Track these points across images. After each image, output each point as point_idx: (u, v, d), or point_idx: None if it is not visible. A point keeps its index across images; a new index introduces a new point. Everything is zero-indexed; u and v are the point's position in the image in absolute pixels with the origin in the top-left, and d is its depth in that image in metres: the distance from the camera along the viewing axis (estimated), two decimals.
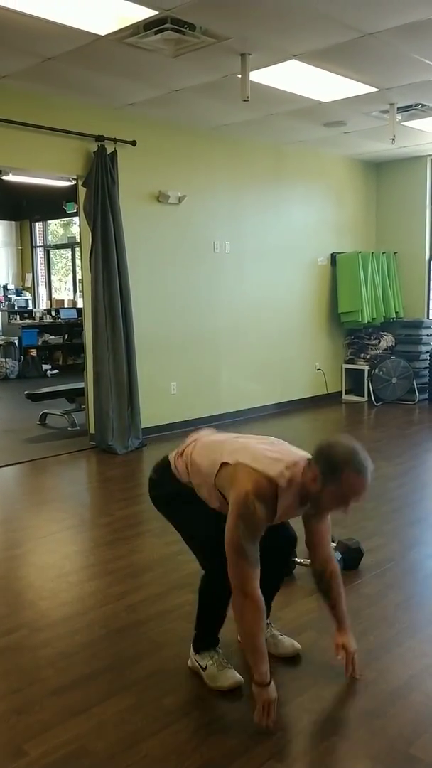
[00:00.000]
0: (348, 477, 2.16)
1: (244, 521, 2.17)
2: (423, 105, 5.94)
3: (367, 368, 8.34)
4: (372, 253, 8.36)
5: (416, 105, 5.93)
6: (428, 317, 8.60)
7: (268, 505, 2.21)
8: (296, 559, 3.42)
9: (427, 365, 8.23)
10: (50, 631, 2.91)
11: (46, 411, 7.43)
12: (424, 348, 8.29)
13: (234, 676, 2.46)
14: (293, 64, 4.78)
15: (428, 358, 8.22)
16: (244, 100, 4.77)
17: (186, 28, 4.09)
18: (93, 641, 2.82)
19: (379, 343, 8.44)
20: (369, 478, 2.19)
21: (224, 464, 2.30)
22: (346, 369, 8.63)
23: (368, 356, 8.40)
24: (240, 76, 4.74)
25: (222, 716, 2.32)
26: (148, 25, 4.07)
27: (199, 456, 2.42)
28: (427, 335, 8.35)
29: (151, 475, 2.64)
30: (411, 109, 6.05)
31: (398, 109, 5.98)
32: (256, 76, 4.93)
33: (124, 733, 2.23)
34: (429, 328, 8.38)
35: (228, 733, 2.23)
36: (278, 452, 2.32)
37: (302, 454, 2.33)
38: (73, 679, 2.55)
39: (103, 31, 4.15)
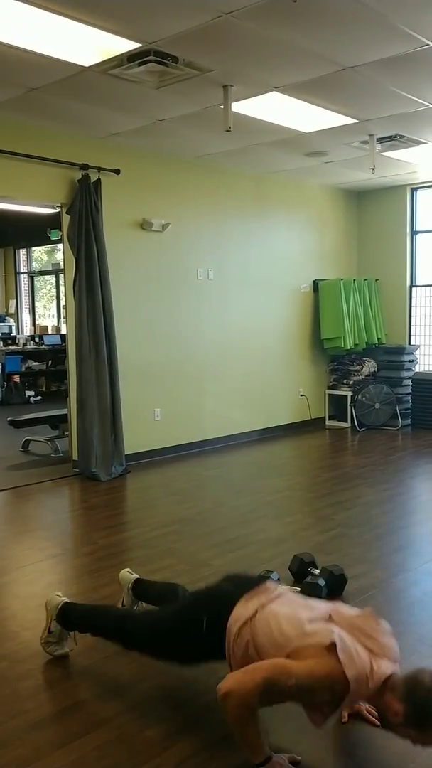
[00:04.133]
0: (428, 734, 1.99)
1: (268, 688, 2.00)
2: (402, 136, 6.06)
3: (350, 394, 8.38)
4: (354, 280, 8.46)
5: (395, 136, 6.06)
6: (410, 343, 8.69)
7: (325, 699, 2.02)
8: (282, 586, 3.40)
9: (410, 391, 8.29)
10: (32, 662, 2.86)
11: (29, 438, 7.38)
12: (406, 374, 8.36)
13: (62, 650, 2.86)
14: (275, 95, 4.87)
15: (410, 383, 8.28)
16: (227, 131, 4.84)
17: (169, 60, 4.16)
18: (75, 672, 2.78)
19: (362, 369, 8.50)
20: None
21: (332, 646, 2.05)
22: (330, 395, 8.68)
23: (351, 382, 8.45)
24: (222, 107, 4.82)
25: (205, 748, 2.28)
26: (131, 57, 4.14)
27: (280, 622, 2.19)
28: (409, 361, 8.43)
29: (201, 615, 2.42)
30: (390, 140, 6.17)
31: (378, 139, 6.10)
32: (239, 107, 5.02)
33: (106, 767, 2.19)
34: (411, 354, 8.46)
35: (210, 766, 2.19)
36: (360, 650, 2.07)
37: (391, 667, 2.10)
38: (54, 712, 2.50)
39: (87, 62, 4.22)
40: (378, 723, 2.35)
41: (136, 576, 3.16)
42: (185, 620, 2.44)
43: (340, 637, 2.07)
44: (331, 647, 2.04)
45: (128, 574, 3.17)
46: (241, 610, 2.29)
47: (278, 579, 3.43)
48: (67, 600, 2.90)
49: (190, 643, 2.42)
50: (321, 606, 2.29)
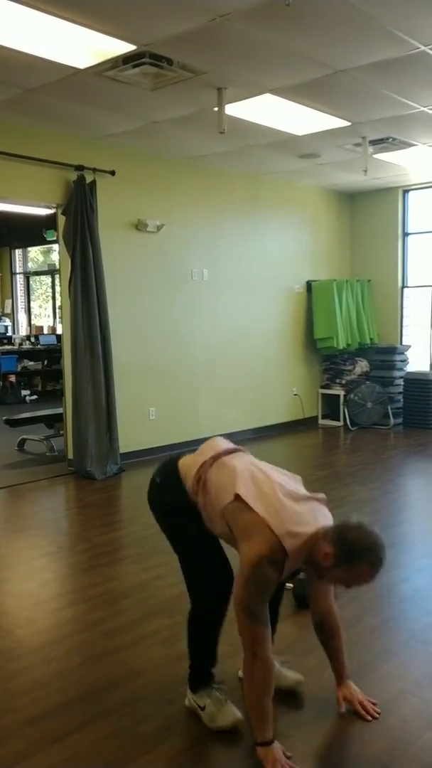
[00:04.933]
0: (361, 568, 2.14)
1: (255, 584, 2.13)
2: (394, 138, 6.11)
3: (342, 393, 8.43)
4: (347, 280, 8.50)
5: (387, 138, 6.10)
6: (401, 343, 8.74)
7: (278, 568, 2.16)
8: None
9: (401, 390, 8.34)
10: (26, 660, 2.89)
11: (24, 437, 7.39)
12: (397, 373, 8.41)
13: (234, 714, 2.36)
14: (268, 98, 4.91)
15: (402, 383, 8.33)
16: (221, 132, 4.88)
17: (163, 62, 4.19)
18: (69, 669, 2.80)
19: (354, 368, 8.55)
20: (380, 571, 2.17)
21: (238, 497, 2.21)
22: (322, 394, 8.72)
23: (344, 381, 8.50)
24: (216, 109, 4.86)
25: (198, 743, 2.32)
26: (126, 60, 4.16)
27: (215, 477, 2.32)
28: (401, 361, 8.48)
29: (154, 476, 2.52)
30: (382, 143, 6.21)
31: (370, 142, 6.14)
32: (232, 109, 5.05)
33: (100, 762, 2.22)
34: (402, 354, 8.51)
35: (205, 761, 2.23)
36: (300, 514, 2.21)
37: (322, 523, 2.24)
38: (48, 708, 2.53)
39: (82, 64, 4.24)
40: (370, 718, 2.40)
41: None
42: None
43: (276, 512, 2.17)
44: (238, 498, 2.20)
45: None
46: (191, 461, 2.42)
47: None
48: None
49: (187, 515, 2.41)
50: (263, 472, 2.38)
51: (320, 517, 2.27)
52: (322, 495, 2.41)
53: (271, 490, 2.25)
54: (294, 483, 2.40)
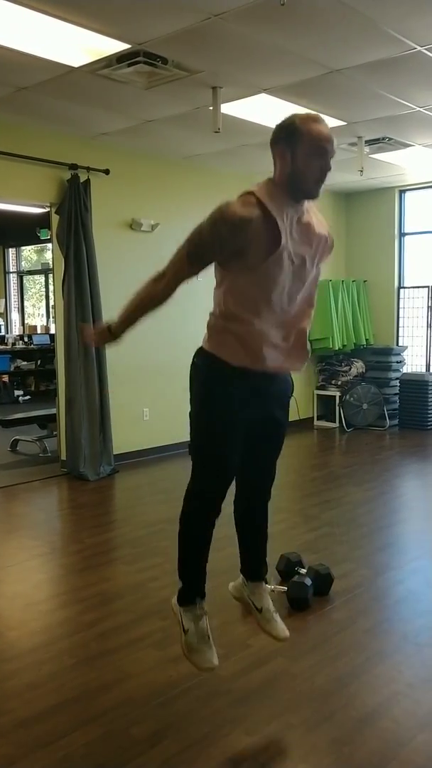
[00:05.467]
0: (305, 126, 2.16)
1: (214, 220, 2.16)
2: (390, 138, 6.10)
3: (338, 394, 8.42)
4: (342, 281, 8.50)
5: (383, 138, 6.09)
6: (397, 344, 8.73)
7: (256, 211, 2.13)
8: (267, 585, 3.43)
9: (397, 392, 8.34)
10: (18, 662, 2.87)
11: (17, 437, 7.36)
12: (393, 374, 8.40)
13: (211, 661, 2.36)
14: (263, 97, 4.90)
15: (398, 384, 8.33)
16: (216, 132, 4.86)
17: (158, 61, 4.18)
18: (61, 671, 2.78)
19: (350, 369, 8.54)
20: (324, 121, 2.20)
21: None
22: (318, 395, 8.71)
23: (339, 383, 8.49)
24: (211, 108, 4.84)
25: (190, 746, 2.30)
26: (121, 58, 4.15)
27: None
28: (397, 362, 8.48)
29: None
30: (378, 143, 6.21)
31: (366, 142, 6.14)
32: (227, 108, 5.04)
33: (92, 765, 2.20)
34: (398, 355, 8.51)
35: (195, 764, 2.21)
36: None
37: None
38: (40, 710, 2.51)
39: (76, 63, 4.22)
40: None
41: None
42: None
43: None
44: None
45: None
46: None
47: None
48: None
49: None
50: None
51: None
52: None
53: None
54: None
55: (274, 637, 2.57)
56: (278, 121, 2.26)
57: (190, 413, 2.41)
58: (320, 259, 2.37)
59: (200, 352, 2.34)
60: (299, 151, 2.16)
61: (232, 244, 2.14)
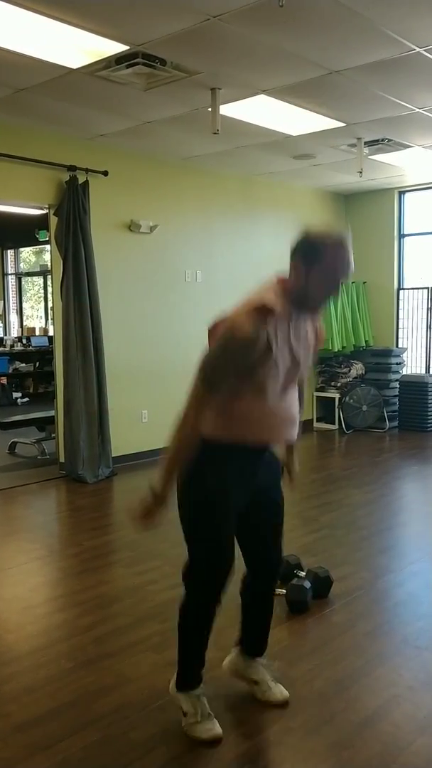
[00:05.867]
0: (329, 249, 2.12)
1: (226, 344, 2.11)
2: (389, 140, 6.09)
3: (337, 396, 8.41)
4: None
5: (382, 139, 6.09)
6: (397, 346, 8.72)
7: (261, 328, 2.10)
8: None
9: (397, 393, 8.33)
10: (16, 665, 2.85)
11: (15, 440, 7.35)
12: (393, 376, 8.39)
13: (213, 729, 2.31)
14: (262, 98, 4.89)
15: (397, 386, 8.32)
16: (214, 133, 4.85)
17: (157, 62, 4.17)
18: (59, 675, 2.77)
19: (350, 371, 8.53)
20: (350, 249, 2.16)
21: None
22: (318, 397, 8.70)
23: (339, 384, 8.48)
24: (210, 109, 4.83)
25: (189, 750, 2.28)
26: (119, 60, 4.14)
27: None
28: (396, 363, 8.47)
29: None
30: (378, 144, 6.20)
31: (365, 143, 6.13)
32: (226, 109, 5.03)
33: None
34: (398, 356, 8.50)
35: None
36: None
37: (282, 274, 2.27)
38: (37, 714, 2.50)
39: (75, 64, 4.21)
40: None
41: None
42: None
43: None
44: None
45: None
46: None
47: None
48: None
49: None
50: None
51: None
52: None
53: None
54: None
55: (274, 704, 2.52)
56: (307, 228, 2.21)
57: (181, 511, 2.35)
58: (315, 350, 2.44)
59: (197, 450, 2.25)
60: (315, 274, 2.16)
61: (246, 361, 2.14)
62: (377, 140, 6.10)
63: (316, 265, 2.14)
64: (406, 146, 6.33)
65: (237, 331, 2.11)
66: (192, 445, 2.19)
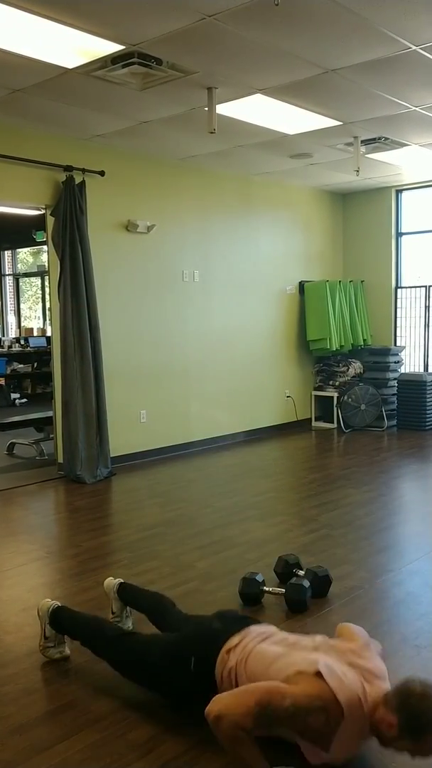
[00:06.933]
0: (430, 741, 1.94)
1: (264, 708, 1.95)
2: (386, 138, 6.09)
3: (336, 395, 8.41)
4: (339, 281, 8.49)
5: (379, 138, 6.09)
6: (395, 344, 8.73)
7: (320, 723, 1.97)
8: (265, 588, 3.41)
9: (395, 392, 8.33)
10: (14, 667, 2.84)
11: (14, 440, 7.34)
12: (391, 375, 8.39)
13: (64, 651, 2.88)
14: (259, 98, 4.88)
15: (396, 385, 8.32)
16: (211, 132, 4.85)
17: (153, 62, 4.16)
18: (57, 676, 2.76)
19: (348, 370, 8.53)
20: None
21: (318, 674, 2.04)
22: (316, 396, 8.70)
23: (337, 383, 8.48)
24: (207, 109, 4.83)
25: (188, 751, 2.28)
26: (115, 59, 4.13)
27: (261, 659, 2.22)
28: (395, 362, 8.47)
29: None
30: (374, 142, 6.20)
31: (362, 142, 6.13)
32: (223, 109, 5.03)
33: None
34: (396, 355, 8.50)
35: None
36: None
37: (384, 687, 2.10)
38: (36, 715, 2.49)
39: (70, 64, 4.21)
40: None
41: (120, 580, 3.15)
42: (174, 658, 2.43)
43: (326, 664, 2.07)
44: (319, 675, 2.04)
45: (112, 580, 3.17)
46: (230, 655, 2.32)
47: (263, 581, 3.43)
48: (58, 604, 2.89)
49: (175, 679, 2.42)
50: (307, 639, 2.32)
51: (382, 683, 2.13)
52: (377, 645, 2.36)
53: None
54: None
55: None
56: (418, 698, 1.93)
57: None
58: None
59: None
60: (405, 743, 1.97)
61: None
62: (374, 139, 6.11)
63: (409, 742, 1.95)
64: (403, 145, 6.33)
65: (312, 716, 1.97)
66: (242, 739, 2.00)
